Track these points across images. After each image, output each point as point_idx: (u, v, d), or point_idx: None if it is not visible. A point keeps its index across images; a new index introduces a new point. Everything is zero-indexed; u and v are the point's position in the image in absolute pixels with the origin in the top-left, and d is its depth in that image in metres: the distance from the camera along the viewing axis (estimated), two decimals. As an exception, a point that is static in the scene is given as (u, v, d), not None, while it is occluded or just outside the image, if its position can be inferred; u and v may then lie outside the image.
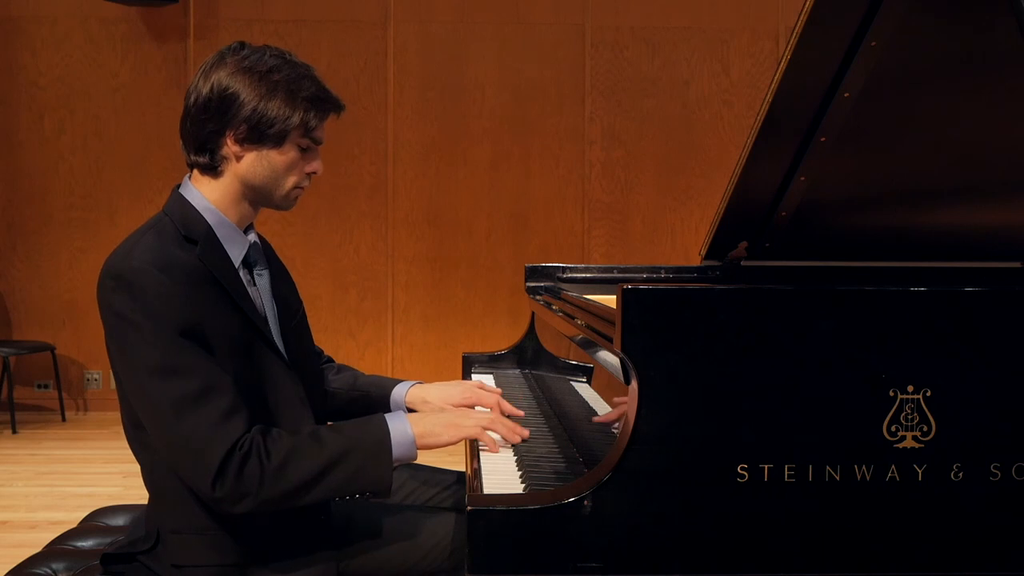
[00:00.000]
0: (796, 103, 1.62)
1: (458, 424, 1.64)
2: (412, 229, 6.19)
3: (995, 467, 1.32)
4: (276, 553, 1.59)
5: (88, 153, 6.12)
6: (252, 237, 1.68)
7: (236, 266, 1.62)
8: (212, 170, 1.61)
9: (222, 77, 1.57)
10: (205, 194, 1.62)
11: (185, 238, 1.57)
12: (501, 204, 6.19)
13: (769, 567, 1.30)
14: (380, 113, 6.10)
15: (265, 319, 1.66)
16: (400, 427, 1.58)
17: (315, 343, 1.91)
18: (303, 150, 1.62)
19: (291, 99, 1.57)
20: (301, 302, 1.82)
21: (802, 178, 1.75)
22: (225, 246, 1.61)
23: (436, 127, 6.17)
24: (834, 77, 1.59)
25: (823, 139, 1.67)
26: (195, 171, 1.64)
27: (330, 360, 2.03)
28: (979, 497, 1.32)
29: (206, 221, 1.60)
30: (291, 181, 1.63)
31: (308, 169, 1.64)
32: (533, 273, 2.74)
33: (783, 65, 1.54)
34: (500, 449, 1.68)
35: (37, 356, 6.04)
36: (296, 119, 1.58)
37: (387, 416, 1.60)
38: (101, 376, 6.16)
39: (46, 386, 6.13)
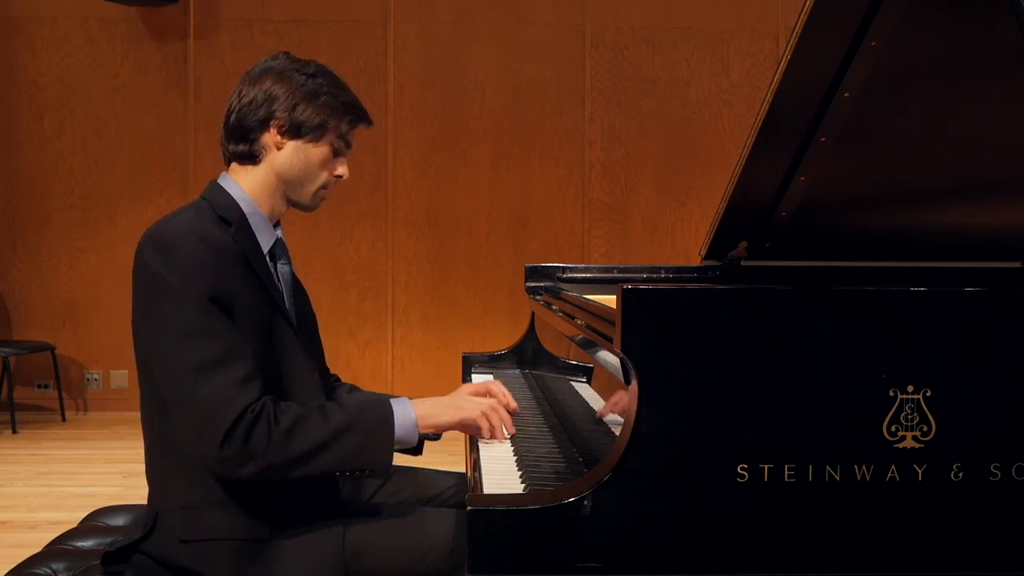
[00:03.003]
0: (796, 103, 1.62)
1: (459, 406, 1.72)
2: (412, 229, 6.19)
3: (995, 467, 1.32)
4: (287, 529, 1.62)
5: (88, 153, 6.12)
6: (279, 233, 1.77)
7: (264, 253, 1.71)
8: (251, 159, 1.72)
9: (269, 81, 1.70)
10: (241, 185, 1.72)
11: (221, 219, 1.66)
12: (501, 204, 6.19)
13: (769, 567, 1.30)
14: (380, 113, 6.09)
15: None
16: (403, 410, 1.65)
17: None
18: (335, 152, 1.74)
19: (332, 101, 1.71)
20: (315, 315, 1.90)
21: (802, 178, 1.75)
22: (256, 233, 1.70)
23: (436, 127, 6.17)
24: (834, 77, 1.59)
25: (823, 139, 1.67)
26: (233, 164, 1.74)
27: (338, 379, 2.05)
28: (979, 497, 1.32)
29: (241, 209, 1.69)
30: (321, 178, 1.74)
31: (336, 172, 1.75)
32: (533, 273, 2.74)
33: (783, 65, 1.54)
34: (495, 441, 1.73)
35: (37, 356, 6.04)
36: (334, 119, 1.71)
37: (392, 399, 1.67)
38: (101, 376, 6.16)
39: (46, 386, 6.13)
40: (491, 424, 1.73)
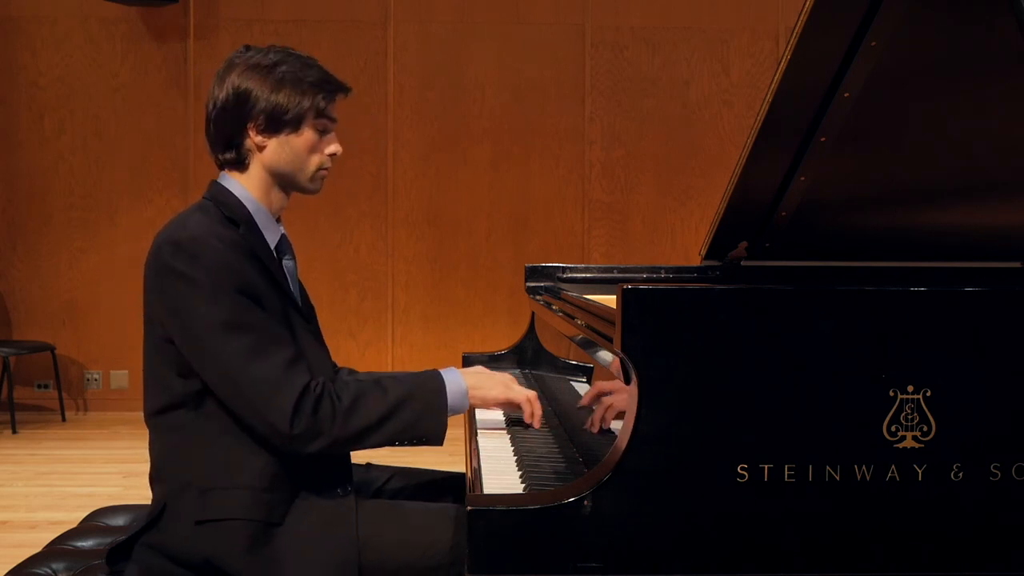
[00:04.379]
0: (796, 103, 1.62)
1: (508, 385, 1.80)
2: (412, 229, 6.19)
3: (995, 467, 1.32)
4: (301, 517, 1.64)
5: (88, 153, 6.12)
6: (282, 228, 1.80)
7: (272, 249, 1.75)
8: (240, 164, 1.73)
9: (234, 79, 1.70)
10: (242, 183, 1.74)
11: (228, 219, 1.69)
12: (501, 204, 6.19)
13: (769, 567, 1.30)
14: (380, 113, 6.10)
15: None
16: (454, 379, 1.72)
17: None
18: (320, 132, 1.74)
19: (298, 86, 1.70)
20: (314, 307, 1.92)
21: (802, 178, 1.75)
22: (263, 231, 1.73)
23: (436, 127, 6.17)
24: (834, 77, 1.59)
25: (823, 139, 1.67)
26: (226, 170, 1.76)
27: (336, 366, 2.06)
28: (979, 497, 1.32)
29: (246, 208, 1.72)
30: (314, 162, 1.75)
31: (328, 150, 1.77)
32: (533, 273, 2.74)
33: (783, 65, 1.54)
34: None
35: (37, 356, 6.04)
36: (307, 103, 1.70)
37: (441, 371, 1.74)
38: (101, 376, 6.16)
39: (46, 386, 6.13)
40: (533, 410, 1.82)
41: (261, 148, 1.71)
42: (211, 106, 1.72)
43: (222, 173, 1.77)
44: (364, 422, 1.61)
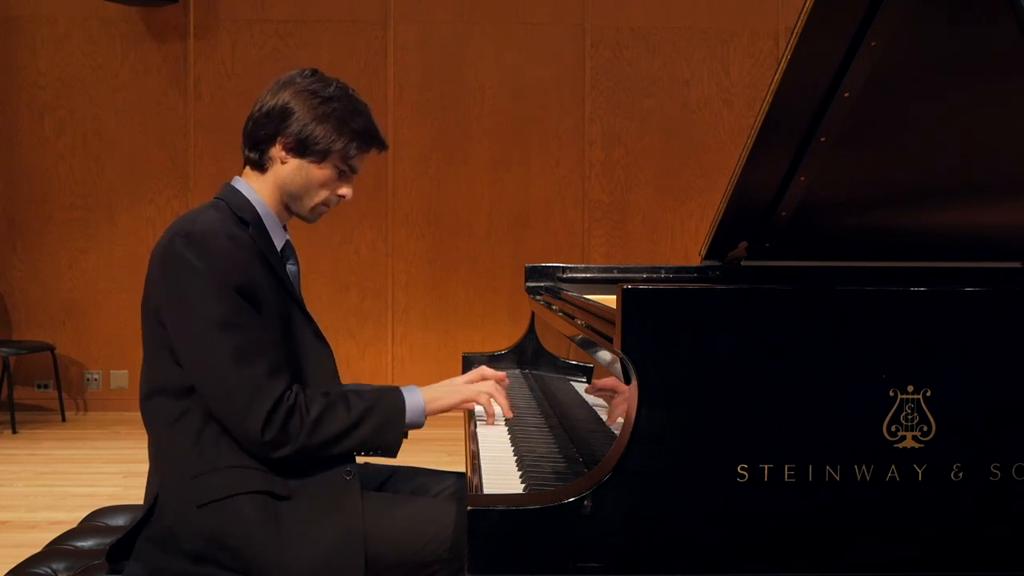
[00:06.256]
0: (796, 103, 1.62)
1: (460, 390, 1.89)
2: (412, 229, 6.19)
3: (995, 467, 1.32)
4: (306, 490, 1.70)
5: (88, 153, 6.12)
6: (287, 235, 1.87)
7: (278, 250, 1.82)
8: (259, 167, 1.83)
9: (286, 95, 1.79)
10: (254, 188, 1.83)
11: (239, 219, 1.76)
12: (501, 204, 6.19)
13: (769, 567, 1.30)
14: (380, 113, 6.05)
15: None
16: (413, 397, 1.81)
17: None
18: (340, 173, 1.81)
19: (340, 127, 1.79)
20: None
21: (802, 178, 1.75)
22: (270, 233, 1.81)
23: (436, 127, 6.17)
24: (834, 77, 1.59)
25: (823, 139, 1.67)
26: (246, 168, 1.85)
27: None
28: (979, 497, 1.32)
29: (255, 209, 1.80)
30: (321, 196, 1.83)
31: (339, 191, 1.84)
32: (533, 273, 2.74)
33: (783, 65, 1.54)
34: (497, 424, 1.89)
35: (37, 356, 6.04)
36: (339, 145, 1.80)
37: (402, 388, 1.83)
38: (101, 376, 6.16)
39: (46, 386, 6.13)
40: (490, 404, 1.91)
41: (283, 162, 1.80)
42: (258, 108, 1.81)
43: (236, 176, 1.84)
44: (327, 434, 1.70)
